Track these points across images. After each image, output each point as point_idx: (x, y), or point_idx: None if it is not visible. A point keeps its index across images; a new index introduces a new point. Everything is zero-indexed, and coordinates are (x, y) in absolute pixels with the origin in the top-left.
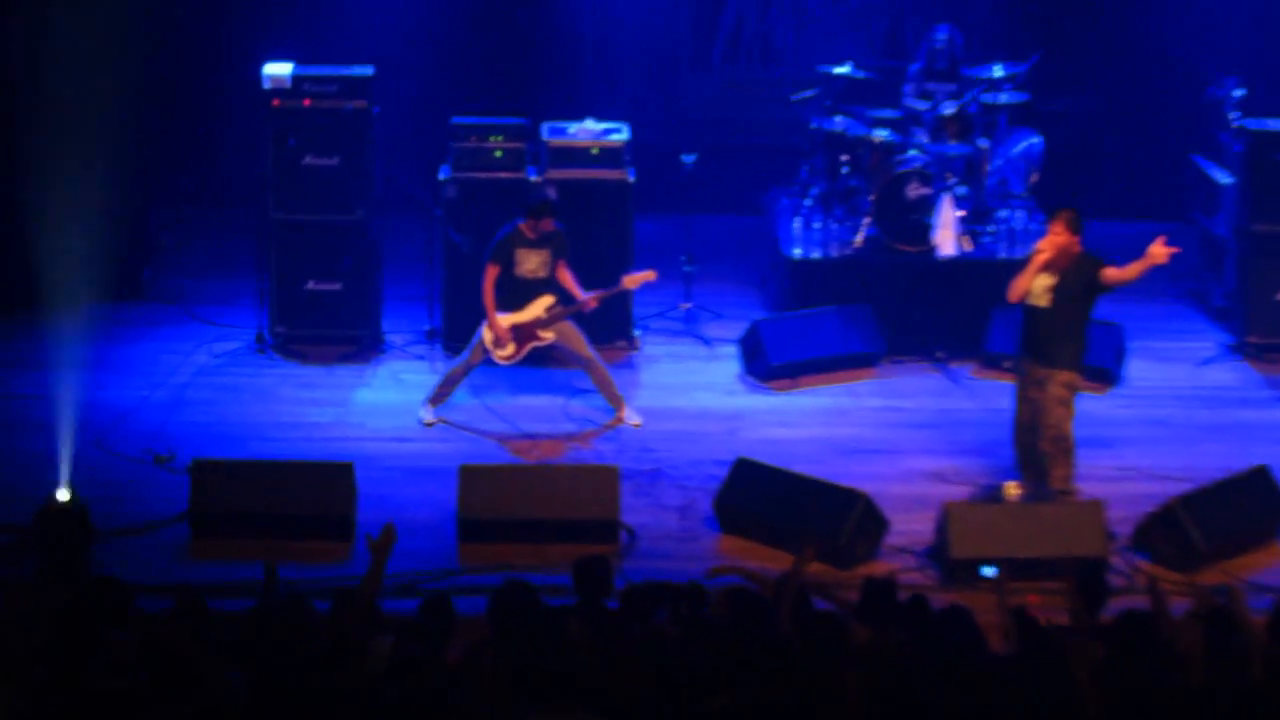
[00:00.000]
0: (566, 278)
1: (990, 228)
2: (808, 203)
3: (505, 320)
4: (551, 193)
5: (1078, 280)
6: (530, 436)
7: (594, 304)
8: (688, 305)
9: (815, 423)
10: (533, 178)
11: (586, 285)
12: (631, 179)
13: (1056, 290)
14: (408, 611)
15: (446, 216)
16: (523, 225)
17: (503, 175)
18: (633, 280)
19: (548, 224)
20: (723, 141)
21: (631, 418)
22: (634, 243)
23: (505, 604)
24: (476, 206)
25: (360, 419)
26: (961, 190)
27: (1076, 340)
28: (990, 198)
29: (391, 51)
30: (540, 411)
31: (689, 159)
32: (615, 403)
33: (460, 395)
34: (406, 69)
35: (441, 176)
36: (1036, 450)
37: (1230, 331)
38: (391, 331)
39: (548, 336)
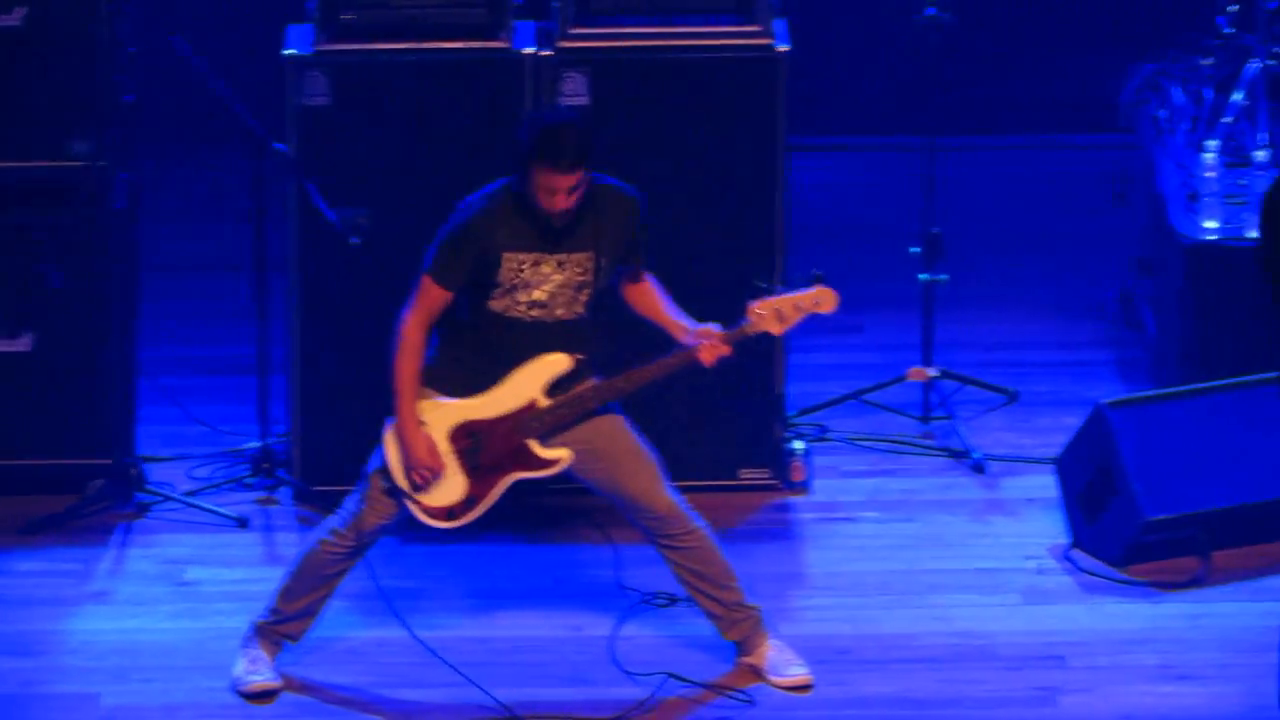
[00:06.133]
0: (648, 298)
1: None
2: (1233, 110)
3: (444, 414)
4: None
5: None
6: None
7: (710, 356)
8: (925, 372)
9: None
10: (529, 50)
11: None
12: (783, 48)
13: None
14: None
15: (304, 158)
16: (516, 185)
17: (456, 45)
18: (780, 310)
19: (573, 178)
20: None
21: (787, 670)
22: (790, 212)
23: None
24: (379, 139)
25: (78, 689)
26: None
27: None
28: None
29: None
30: (541, 612)
31: None
32: (735, 627)
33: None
34: None
35: (290, 51)
36: None
37: None
38: (164, 461)
39: (555, 457)
